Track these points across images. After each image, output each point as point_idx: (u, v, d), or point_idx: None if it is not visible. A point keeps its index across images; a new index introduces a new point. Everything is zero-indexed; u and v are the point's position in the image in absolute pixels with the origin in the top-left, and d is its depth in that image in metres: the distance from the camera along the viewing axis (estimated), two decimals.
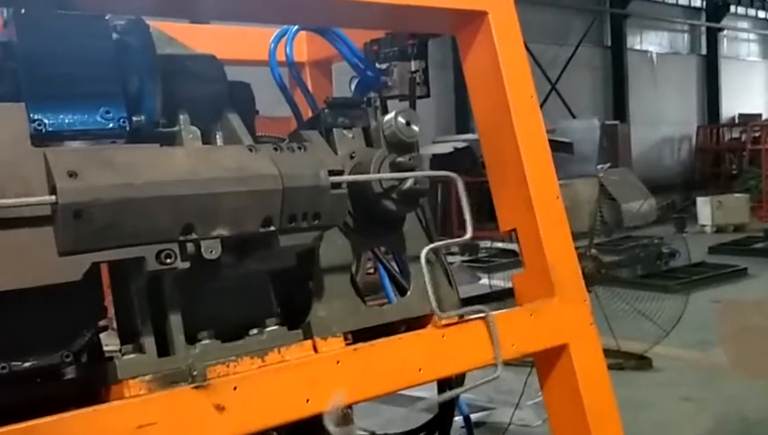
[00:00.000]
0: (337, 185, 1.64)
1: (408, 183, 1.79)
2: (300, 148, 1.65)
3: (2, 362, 1.37)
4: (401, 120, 1.86)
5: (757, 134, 20.72)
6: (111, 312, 1.60)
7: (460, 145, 14.73)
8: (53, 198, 1.32)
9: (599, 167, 16.36)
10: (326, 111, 1.95)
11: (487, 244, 12.69)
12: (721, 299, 8.84)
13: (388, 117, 1.87)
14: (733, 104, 28.20)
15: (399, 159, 1.83)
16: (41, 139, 1.47)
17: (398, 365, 1.76)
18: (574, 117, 20.89)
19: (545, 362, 2.15)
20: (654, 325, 6.66)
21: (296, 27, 2.31)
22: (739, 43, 30.08)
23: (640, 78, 25.23)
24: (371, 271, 2.26)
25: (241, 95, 1.88)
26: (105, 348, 1.59)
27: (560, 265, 2.10)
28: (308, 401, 1.60)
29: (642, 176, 17.99)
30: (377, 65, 2.25)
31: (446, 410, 2.35)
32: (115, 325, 1.60)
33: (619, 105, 24.39)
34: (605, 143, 18.83)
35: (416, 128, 1.87)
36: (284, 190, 1.55)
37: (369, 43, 2.28)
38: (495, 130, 2.15)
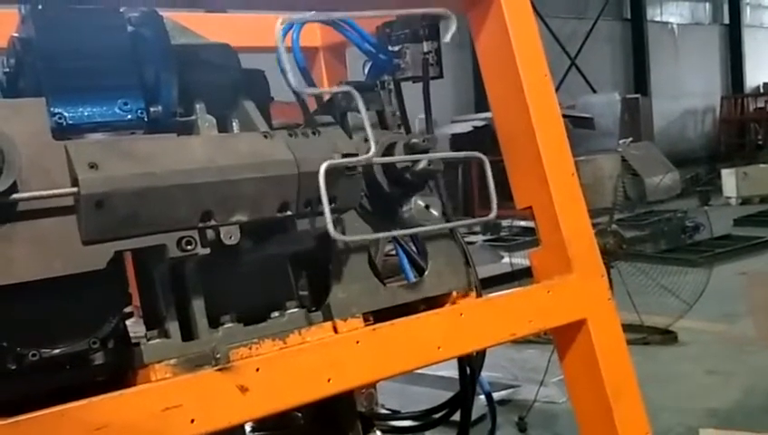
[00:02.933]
0: (352, 168, 1.66)
1: (422, 164, 1.81)
2: (314, 133, 1.67)
3: (32, 349, 1.41)
4: (420, 203, 1.89)
5: None
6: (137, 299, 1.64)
7: (479, 124, 14.64)
8: (75, 189, 1.35)
9: (620, 142, 16.17)
10: (339, 95, 1.96)
11: (509, 222, 12.65)
12: (746, 271, 8.76)
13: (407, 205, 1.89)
14: (757, 74, 27.69)
15: (414, 140, 1.85)
16: (61, 132, 1.50)
17: (416, 344, 1.79)
18: (595, 92, 20.66)
19: (564, 338, 2.17)
20: (678, 300, 6.63)
21: (304, 21, 2.31)
22: (763, 11, 29.44)
23: (661, 50, 24.84)
24: (393, 253, 2.28)
25: (255, 82, 1.90)
26: (132, 334, 1.63)
27: (576, 240, 2.11)
28: (329, 380, 1.64)
29: (665, 149, 17.75)
30: (389, 48, 2.25)
31: (468, 387, 2.37)
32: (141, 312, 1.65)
33: (640, 78, 24.06)
34: (626, 117, 18.61)
35: (435, 212, 1.90)
36: (300, 175, 1.58)
37: (382, 26, 2.29)
38: (509, 108, 2.16)
